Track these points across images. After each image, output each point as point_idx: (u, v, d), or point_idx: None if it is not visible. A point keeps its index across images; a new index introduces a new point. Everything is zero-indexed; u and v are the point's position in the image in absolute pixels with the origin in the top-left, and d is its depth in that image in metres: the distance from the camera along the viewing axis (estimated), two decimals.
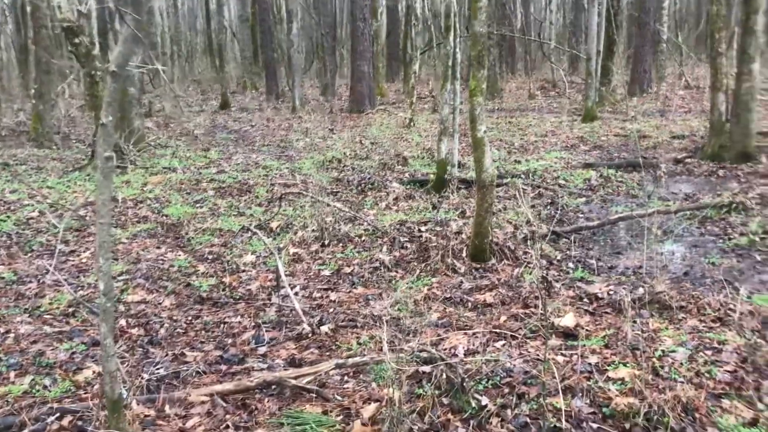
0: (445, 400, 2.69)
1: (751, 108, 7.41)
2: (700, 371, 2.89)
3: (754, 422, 2.49)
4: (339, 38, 19.73)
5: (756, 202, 5.73)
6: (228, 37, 21.01)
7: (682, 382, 2.78)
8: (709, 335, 3.27)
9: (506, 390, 2.74)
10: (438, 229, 5.42)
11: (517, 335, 3.36)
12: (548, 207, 6.19)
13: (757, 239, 4.83)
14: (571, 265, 4.54)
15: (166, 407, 2.77)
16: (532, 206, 6.13)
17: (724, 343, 3.17)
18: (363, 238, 5.35)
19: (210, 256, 5.11)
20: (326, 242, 5.24)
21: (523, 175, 7.32)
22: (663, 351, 3.10)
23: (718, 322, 3.44)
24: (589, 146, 9.31)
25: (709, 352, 3.08)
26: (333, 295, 4.22)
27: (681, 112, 12.03)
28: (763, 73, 8.55)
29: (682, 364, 2.96)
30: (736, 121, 7.47)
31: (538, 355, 3.07)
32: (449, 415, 2.60)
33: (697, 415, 2.54)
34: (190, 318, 3.93)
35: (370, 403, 2.74)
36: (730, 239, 4.94)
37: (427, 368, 2.85)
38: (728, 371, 2.90)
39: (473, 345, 3.27)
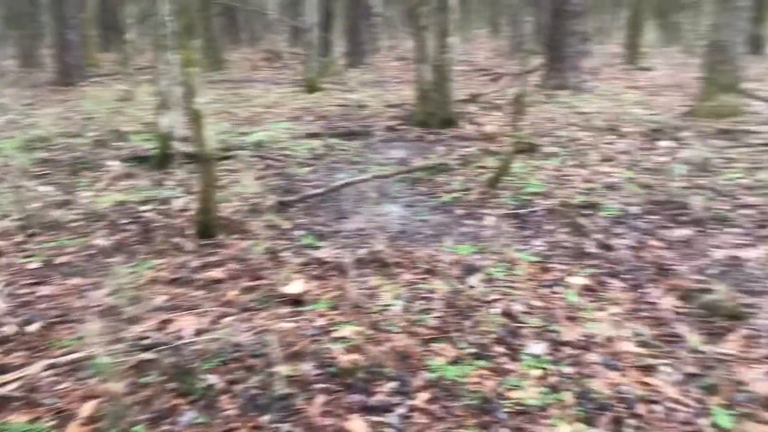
0: (172, 386, 2.59)
1: (450, 78, 8.23)
2: (413, 320, 3.16)
3: (457, 360, 2.80)
4: (40, 3, 17.61)
5: (458, 162, 6.40)
6: None
7: (399, 333, 3.02)
8: (421, 286, 3.59)
9: (235, 365, 2.72)
10: (162, 207, 5.17)
11: (247, 308, 3.35)
12: (276, 178, 6.25)
13: (458, 196, 5.39)
14: (299, 232, 4.64)
15: None
16: (261, 177, 6.14)
17: (433, 291, 3.50)
18: (77, 224, 4.89)
19: None
20: (33, 231, 4.70)
21: (250, 147, 7.28)
22: (382, 306, 3.33)
23: (428, 274, 3.78)
24: (314, 116, 9.55)
25: (421, 302, 3.38)
26: (43, 290, 3.80)
27: (395, 83, 12.91)
28: (460, 45, 9.47)
29: (398, 316, 3.20)
30: (439, 90, 8.23)
31: (267, 325, 3.10)
32: (177, 400, 2.52)
33: (411, 361, 2.78)
34: None
35: (89, 402, 2.53)
36: (437, 197, 5.44)
37: (150, 355, 2.72)
38: (437, 317, 3.22)
39: (202, 324, 3.19)
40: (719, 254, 3.95)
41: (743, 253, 3.93)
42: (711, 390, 2.55)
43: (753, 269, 3.71)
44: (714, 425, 2.35)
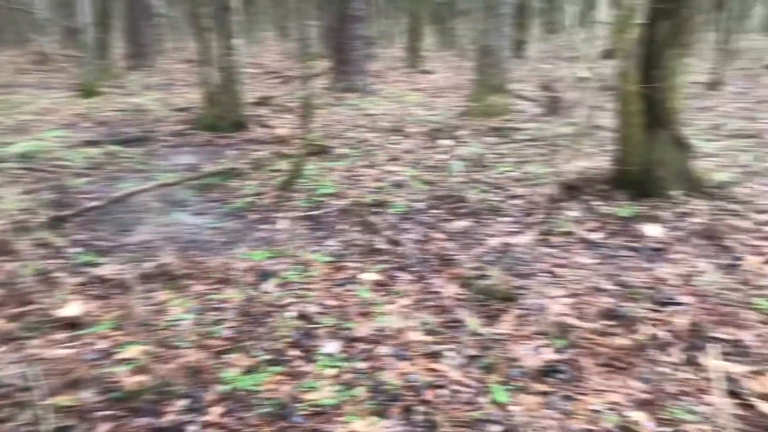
0: None
1: (238, 80, 8.09)
2: (205, 333, 3.05)
3: (252, 369, 2.75)
4: None
5: (250, 166, 6.31)
6: None
7: (189, 348, 2.89)
8: (213, 297, 3.48)
9: (1, 402, 2.44)
10: None
11: (14, 338, 3.02)
12: (49, 191, 5.71)
13: (252, 200, 5.32)
14: (75, 250, 4.28)
15: None
16: (31, 192, 5.58)
17: (226, 301, 3.41)
18: None
19: None
20: None
21: (15, 159, 6.60)
22: (171, 321, 3.17)
23: (221, 283, 3.67)
24: (92, 123, 8.90)
25: (213, 313, 3.28)
26: None
27: (181, 86, 12.42)
28: (247, 47, 9.32)
29: (188, 330, 3.07)
30: (227, 93, 8.05)
31: (39, 354, 2.81)
32: None
33: (203, 376, 2.68)
34: None
35: None
36: (230, 203, 5.32)
37: None
38: (231, 327, 3.14)
39: None
40: (493, 242, 4.30)
41: (513, 240, 4.31)
42: (489, 369, 2.76)
43: (522, 254, 4.08)
44: (493, 402, 2.54)
